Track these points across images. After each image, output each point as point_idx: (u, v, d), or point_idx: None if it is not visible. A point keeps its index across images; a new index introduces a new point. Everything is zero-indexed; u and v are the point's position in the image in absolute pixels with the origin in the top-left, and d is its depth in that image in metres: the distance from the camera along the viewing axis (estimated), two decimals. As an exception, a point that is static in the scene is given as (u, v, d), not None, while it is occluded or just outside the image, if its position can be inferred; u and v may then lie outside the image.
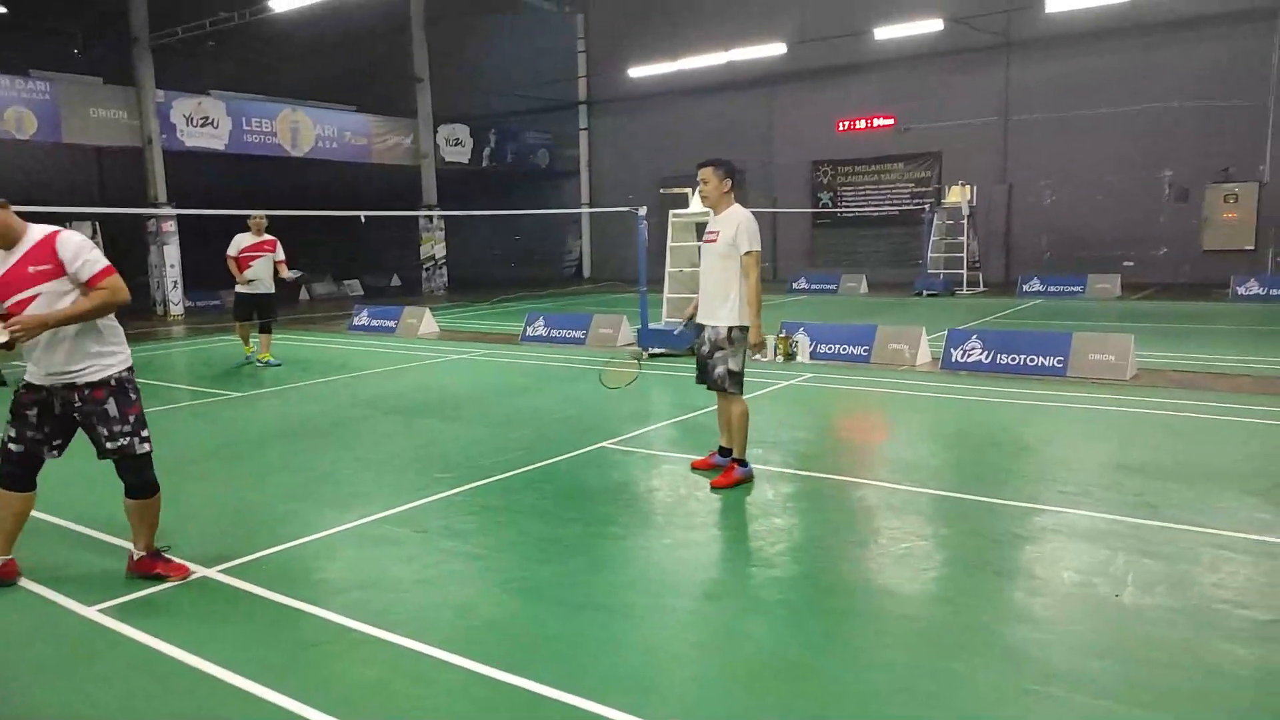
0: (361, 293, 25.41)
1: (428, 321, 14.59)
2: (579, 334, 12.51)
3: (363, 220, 9.56)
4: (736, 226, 5.36)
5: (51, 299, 3.84)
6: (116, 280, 3.92)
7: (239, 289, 10.89)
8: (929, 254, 20.48)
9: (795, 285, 22.26)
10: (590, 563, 4.36)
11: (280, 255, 10.94)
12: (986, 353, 9.71)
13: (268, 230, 10.89)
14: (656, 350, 10.93)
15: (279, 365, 11.06)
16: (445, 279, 25.25)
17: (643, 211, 11.15)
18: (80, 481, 6.14)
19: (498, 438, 7.10)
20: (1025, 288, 19.48)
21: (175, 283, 19.41)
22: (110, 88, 18.72)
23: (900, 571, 4.20)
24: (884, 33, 20.17)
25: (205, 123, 19.72)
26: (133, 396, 4.08)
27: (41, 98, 17.26)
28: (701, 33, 24.61)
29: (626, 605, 3.84)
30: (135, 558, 4.20)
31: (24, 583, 4.16)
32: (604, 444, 6.72)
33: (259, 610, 3.84)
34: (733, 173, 5.53)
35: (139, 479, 4.10)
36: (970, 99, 22.51)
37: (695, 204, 11.91)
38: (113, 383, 4.00)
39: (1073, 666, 3.22)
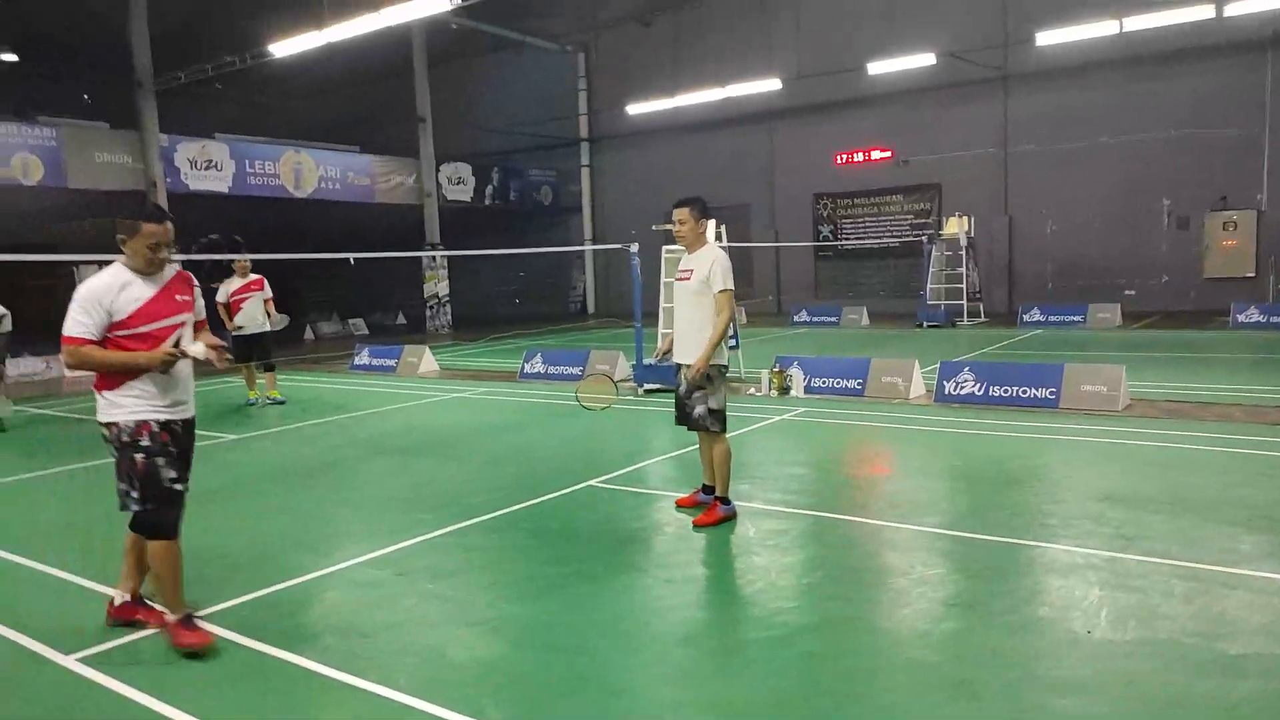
0: (366, 331, 25.59)
1: (427, 360, 14.69)
2: (576, 370, 12.58)
3: (351, 262, 9.67)
4: (711, 264, 5.42)
5: (188, 330, 4.01)
6: None
7: (234, 334, 10.99)
8: (929, 285, 20.55)
9: (797, 318, 22.33)
10: (565, 604, 4.37)
11: (269, 293, 11.10)
12: (979, 385, 9.72)
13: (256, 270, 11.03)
14: (651, 386, 10.98)
15: (283, 403, 11.19)
16: (449, 317, 25.42)
17: (634, 248, 11.26)
18: (61, 526, 6.21)
19: (487, 477, 7.14)
20: (1026, 318, 19.49)
21: (182, 324, 19.57)
22: (115, 132, 19.07)
23: (875, 610, 4.20)
24: (878, 68, 20.41)
25: (209, 165, 20.04)
26: None
27: (48, 143, 17.60)
28: (700, 70, 24.97)
29: (596, 647, 3.86)
30: (169, 618, 4.01)
31: (4, 630, 4.19)
32: (592, 482, 6.75)
33: (233, 657, 3.87)
34: (706, 212, 5.62)
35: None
36: (968, 131, 22.70)
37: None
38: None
39: (1041, 703, 3.22)
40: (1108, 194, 21.15)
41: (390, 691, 3.46)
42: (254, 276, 11.03)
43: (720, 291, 5.41)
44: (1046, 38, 18.23)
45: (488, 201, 27.09)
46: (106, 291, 3.80)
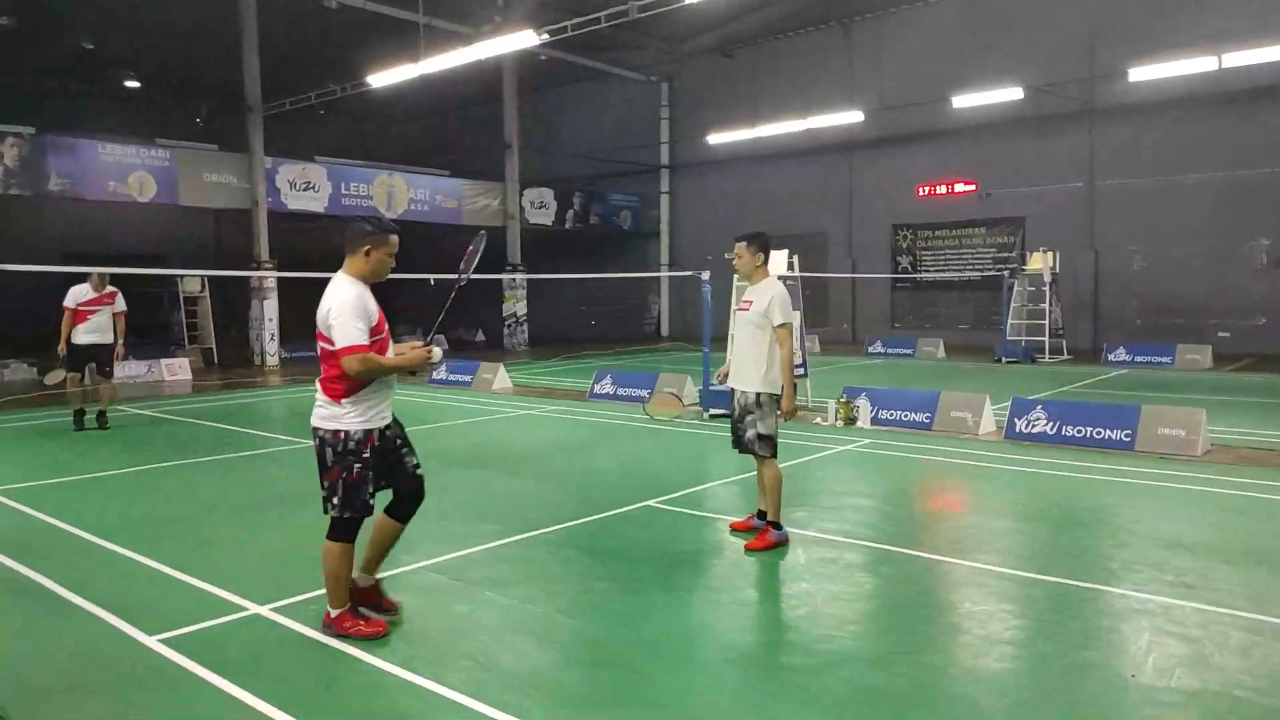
0: (446, 346, 26.30)
1: (501, 377, 15.09)
2: (644, 392, 12.75)
3: (432, 283, 10.04)
4: (770, 300, 5.56)
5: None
6: None
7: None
8: (1009, 320, 20.13)
9: (871, 349, 22.12)
10: (615, 618, 4.51)
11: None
12: (1051, 423, 9.54)
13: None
14: (716, 411, 11.08)
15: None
16: (526, 336, 25.97)
17: (706, 275, 11.41)
18: (154, 518, 6.65)
19: (549, 492, 7.36)
20: (1111, 357, 18.92)
21: (272, 335, 20.54)
22: (224, 154, 20.22)
23: (925, 644, 4.22)
24: (962, 101, 20.22)
25: (307, 187, 21.05)
26: None
27: (162, 164, 18.77)
28: (781, 100, 25.12)
29: (642, 662, 3.99)
30: (331, 613, 4.18)
31: (95, 609, 4.56)
32: (650, 502, 6.89)
33: (301, 648, 4.13)
34: (766, 247, 5.77)
35: (417, 504, 4.40)
36: (1054, 165, 22.26)
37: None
38: None
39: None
40: (1199, 231, 20.44)
41: (443, 689, 3.65)
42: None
43: (779, 326, 5.54)
44: (1140, 73, 17.82)
45: (568, 225, 27.67)
46: (360, 300, 4.01)
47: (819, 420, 10.93)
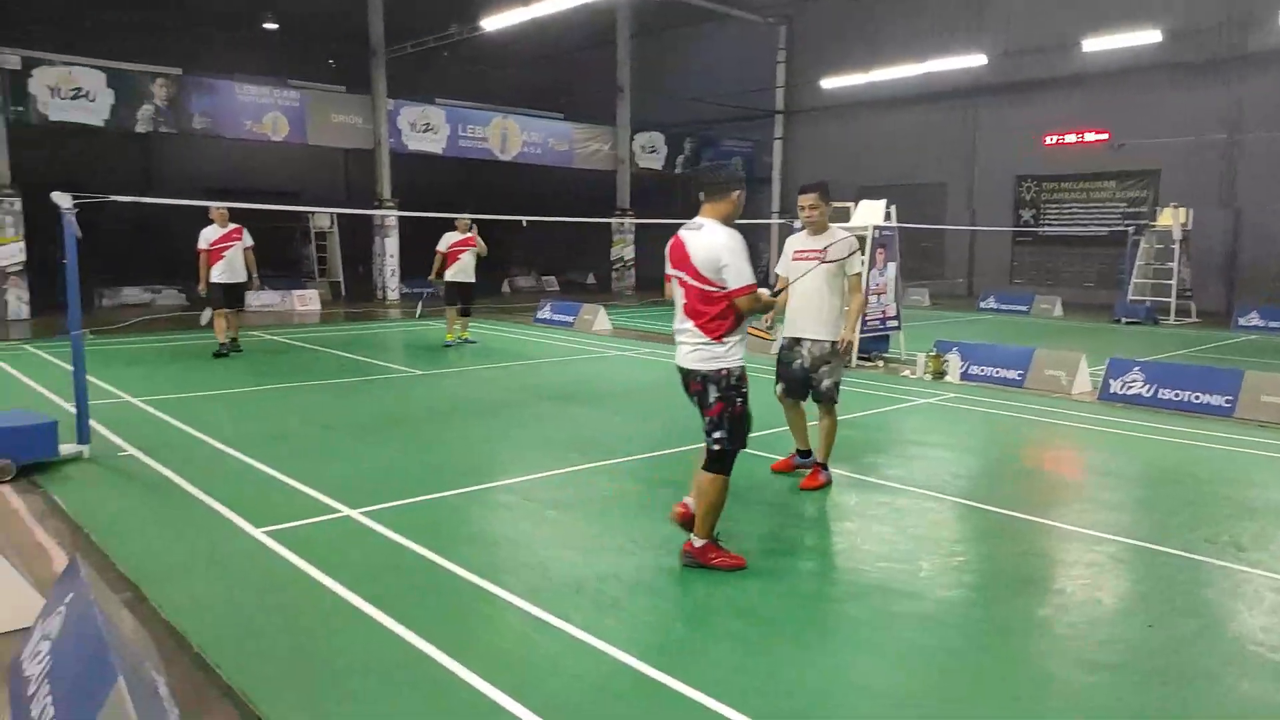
0: (557, 288, 27.03)
1: (601, 319, 15.55)
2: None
3: (524, 224, 10.50)
4: (849, 249, 5.69)
5: None
6: None
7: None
8: (1133, 279, 19.21)
9: (984, 304, 21.52)
10: (656, 540, 4.85)
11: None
12: (1148, 385, 9.28)
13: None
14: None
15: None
16: (634, 279, 26.37)
17: (798, 224, 11.41)
18: (270, 432, 7.40)
19: (629, 427, 7.76)
20: (1242, 321, 17.84)
21: (393, 271, 21.64)
22: (350, 96, 21.19)
23: (984, 597, 4.42)
24: (1094, 45, 19.11)
25: (426, 128, 21.85)
26: None
27: (293, 104, 19.85)
28: (902, 44, 24.24)
29: (674, 578, 4.34)
30: (695, 544, 4.38)
31: (214, 503, 5.25)
32: (720, 442, 7.18)
33: (376, 545, 4.68)
34: (828, 196, 5.88)
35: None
36: (1193, 114, 20.80)
37: (857, 218, 12.07)
38: None
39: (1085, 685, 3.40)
40: (1360, 190, 18.84)
41: (501, 590, 4.11)
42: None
43: (856, 274, 5.69)
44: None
45: (678, 170, 27.71)
46: (743, 242, 4.25)
47: (907, 372, 10.93)
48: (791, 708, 3.18)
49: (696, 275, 4.26)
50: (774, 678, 3.39)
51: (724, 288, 4.20)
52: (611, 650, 3.53)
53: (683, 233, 4.42)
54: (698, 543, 4.38)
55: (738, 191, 4.35)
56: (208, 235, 11.16)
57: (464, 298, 12.78)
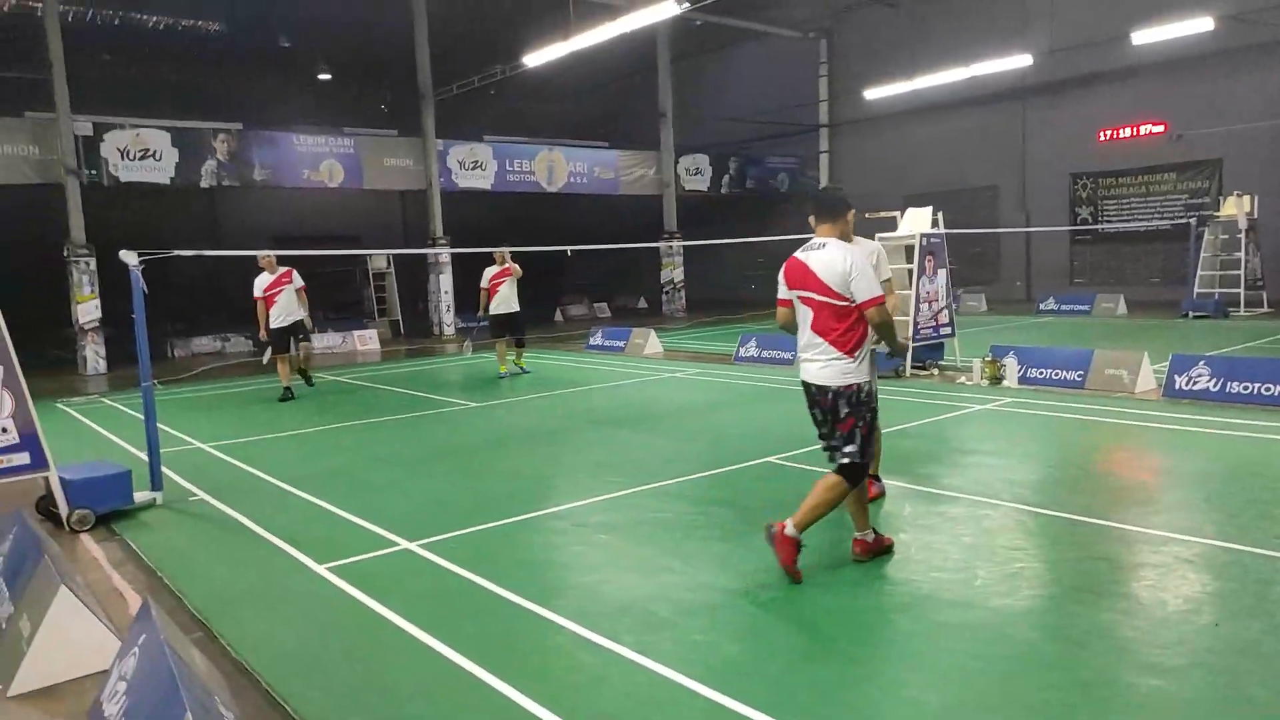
0: (609, 314, 27.25)
1: (652, 342, 15.64)
2: (787, 355, 12.93)
3: (568, 254, 10.65)
4: (876, 257, 5.69)
5: None
6: None
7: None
8: (1198, 272, 18.62)
9: (1044, 306, 21.06)
10: (710, 560, 4.90)
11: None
12: (1215, 380, 9.00)
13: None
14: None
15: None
16: (683, 301, 26.47)
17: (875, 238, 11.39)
18: (332, 469, 7.61)
19: (678, 449, 7.79)
20: (1319, 309, 17.15)
21: (449, 306, 22.09)
22: (401, 140, 21.81)
23: (1038, 603, 4.35)
24: (1144, 36, 18.67)
25: (475, 165, 22.34)
26: None
27: (347, 151, 20.49)
28: (945, 49, 24.02)
29: (724, 597, 4.36)
30: (868, 539, 4.73)
31: (277, 541, 5.43)
32: (771, 458, 7.19)
33: (433, 576, 4.80)
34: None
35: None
36: (1255, 100, 20.15)
37: (904, 226, 11.99)
38: None
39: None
40: None
41: (551, 614, 4.19)
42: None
43: (884, 281, 5.67)
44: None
45: (724, 190, 27.79)
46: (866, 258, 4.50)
47: (963, 379, 10.76)
48: (840, 722, 3.18)
49: (826, 291, 4.41)
50: (826, 696, 3.39)
51: (854, 300, 4.35)
52: (662, 669, 3.57)
53: (801, 254, 4.57)
54: (789, 531, 4.45)
55: (850, 211, 4.67)
56: (260, 283, 11.55)
57: (512, 329, 12.94)
